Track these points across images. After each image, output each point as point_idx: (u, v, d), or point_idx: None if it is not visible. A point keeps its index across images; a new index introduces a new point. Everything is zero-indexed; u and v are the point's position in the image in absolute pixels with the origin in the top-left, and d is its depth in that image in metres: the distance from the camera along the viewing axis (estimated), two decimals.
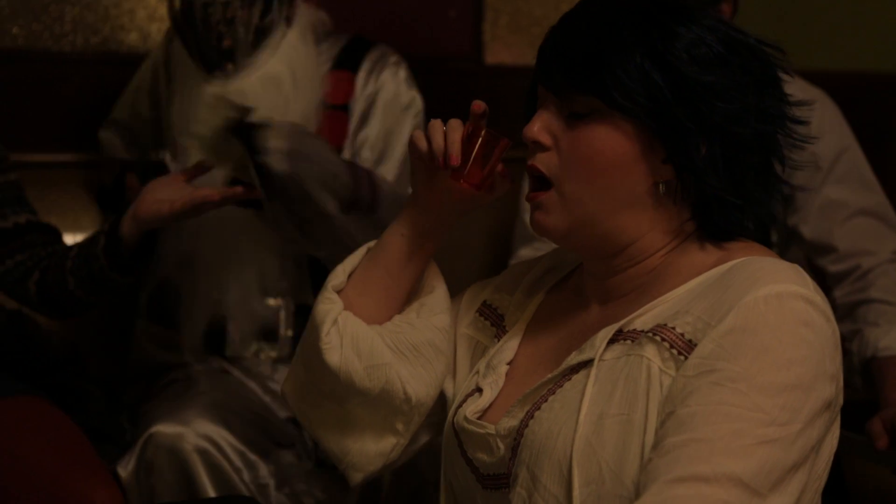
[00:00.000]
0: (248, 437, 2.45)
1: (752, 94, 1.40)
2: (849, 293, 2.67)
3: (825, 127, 2.74)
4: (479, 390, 1.52)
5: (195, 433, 2.40)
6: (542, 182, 1.45)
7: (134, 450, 2.42)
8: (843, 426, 2.53)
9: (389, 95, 2.65)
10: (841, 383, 1.38)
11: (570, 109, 1.42)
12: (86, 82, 3.04)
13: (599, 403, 1.37)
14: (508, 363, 1.52)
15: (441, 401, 1.61)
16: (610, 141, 1.39)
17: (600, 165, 1.40)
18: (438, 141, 1.51)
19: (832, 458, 1.41)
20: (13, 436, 2.27)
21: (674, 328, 1.36)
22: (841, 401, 1.39)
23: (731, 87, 1.39)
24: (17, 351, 2.56)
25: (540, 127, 1.44)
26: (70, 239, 2.90)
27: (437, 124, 1.53)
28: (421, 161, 1.55)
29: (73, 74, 3.04)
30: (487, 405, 1.50)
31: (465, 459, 1.50)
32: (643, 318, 1.40)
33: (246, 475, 2.44)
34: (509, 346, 1.54)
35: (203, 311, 2.65)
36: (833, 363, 1.35)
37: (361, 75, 2.66)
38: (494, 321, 1.60)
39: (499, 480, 1.46)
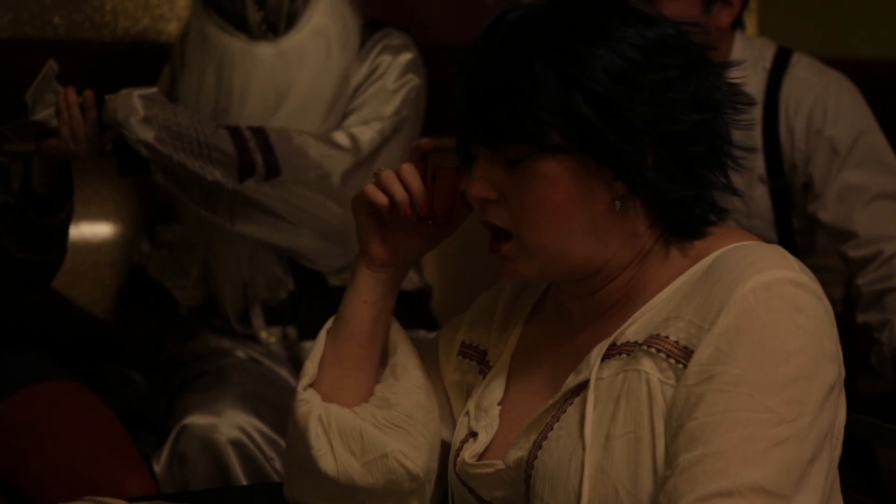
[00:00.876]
0: (280, 426, 2.47)
1: (681, 87, 1.35)
2: (873, 281, 2.65)
3: (841, 111, 2.71)
4: (474, 434, 1.48)
5: (228, 424, 2.42)
6: (500, 232, 1.40)
7: (167, 441, 2.44)
8: (876, 416, 2.52)
9: (380, 76, 2.66)
10: (841, 357, 1.36)
11: (504, 157, 1.37)
12: (126, 71, 3.05)
13: (604, 425, 1.34)
14: (499, 403, 1.49)
15: (444, 450, 1.56)
16: (554, 180, 1.35)
17: (551, 207, 1.35)
18: (400, 192, 1.47)
19: (843, 429, 1.39)
20: (49, 420, 2.30)
21: (667, 337, 1.33)
22: (843, 373, 1.37)
23: (659, 89, 1.33)
24: (51, 330, 2.58)
25: (480, 183, 1.38)
26: (110, 228, 2.94)
27: (390, 175, 1.48)
28: (371, 217, 1.51)
29: (114, 64, 3.06)
30: (484, 448, 1.46)
31: (483, 503, 1.48)
32: (634, 328, 1.37)
33: (278, 464, 2.46)
34: (497, 383, 1.50)
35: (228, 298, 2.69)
36: (831, 341, 1.33)
37: (362, 53, 2.67)
38: (478, 359, 1.55)
39: None
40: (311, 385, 1.55)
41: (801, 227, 2.80)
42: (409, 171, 1.48)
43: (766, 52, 2.78)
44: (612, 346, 1.38)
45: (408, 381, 1.54)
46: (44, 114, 2.32)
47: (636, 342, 1.36)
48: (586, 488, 1.33)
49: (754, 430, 1.25)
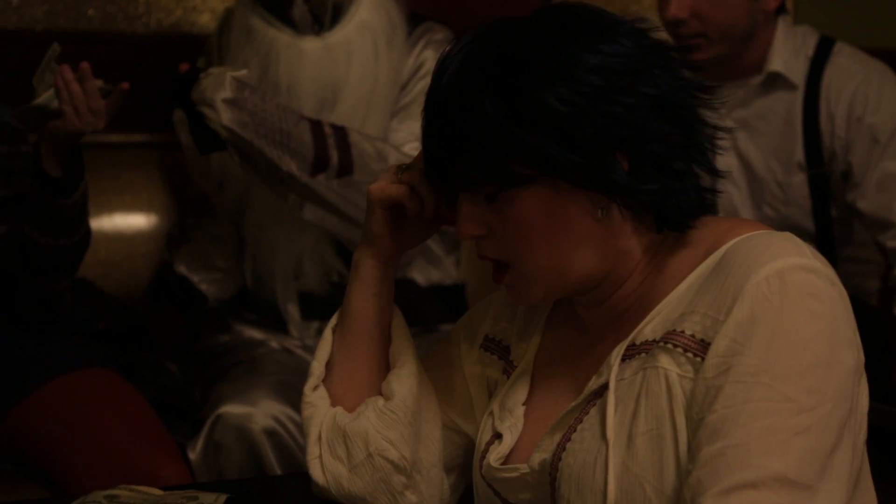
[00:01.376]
0: None
1: (637, 92, 1.33)
2: None
3: (883, 99, 2.70)
4: (499, 436, 1.48)
5: (262, 413, 2.43)
6: (499, 263, 1.41)
7: (202, 430, 2.46)
8: None
9: (426, 72, 2.66)
10: (859, 341, 1.33)
11: (482, 193, 1.37)
12: (159, 63, 3.06)
13: (626, 424, 1.34)
14: (524, 403, 1.48)
15: (463, 441, 1.57)
16: (534, 209, 1.35)
17: (538, 233, 1.36)
18: (430, 196, 1.49)
19: (866, 416, 1.37)
20: (84, 408, 2.31)
21: (683, 332, 1.33)
22: (863, 357, 1.35)
23: (618, 99, 1.32)
24: (85, 319, 2.59)
25: (467, 222, 1.39)
26: (144, 219, 2.95)
27: (419, 178, 1.49)
28: (389, 210, 1.51)
29: (147, 55, 3.08)
30: (509, 450, 1.46)
31: None
32: (651, 326, 1.37)
33: None
34: (521, 383, 1.50)
35: (260, 292, 2.70)
36: (848, 326, 1.31)
37: (406, 47, 2.68)
38: (501, 354, 1.55)
39: None
40: (319, 385, 1.56)
41: (839, 217, 2.78)
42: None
43: (808, 40, 2.77)
44: (632, 346, 1.38)
45: (402, 369, 1.54)
46: (44, 96, 2.30)
47: (654, 340, 1.36)
48: (612, 487, 1.33)
49: (774, 420, 1.24)
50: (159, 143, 3.02)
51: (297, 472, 2.43)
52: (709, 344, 1.30)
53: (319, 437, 1.53)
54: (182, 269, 2.71)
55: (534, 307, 1.55)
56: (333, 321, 1.58)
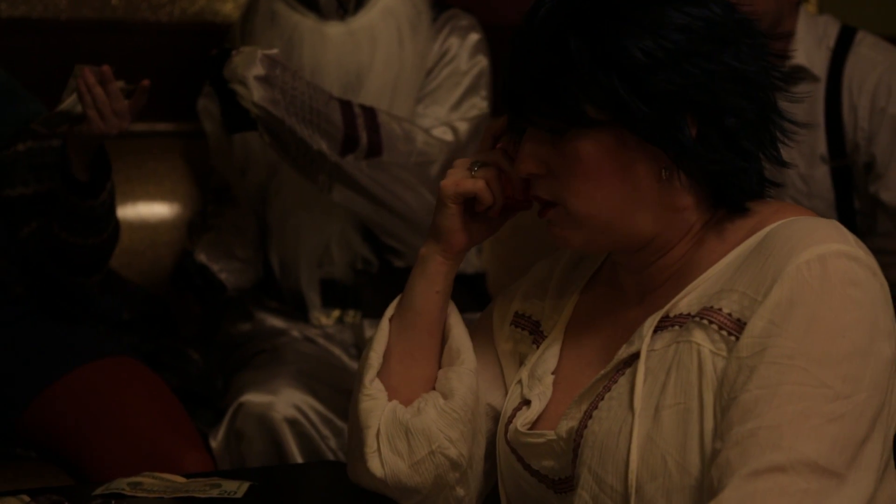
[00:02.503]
0: (335, 405, 2.48)
1: (719, 60, 1.35)
2: None
3: None
4: (527, 402, 1.48)
5: (284, 402, 2.44)
6: (548, 202, 1.42)
7: (224, 419, 2.47)
8: None
9: (451, 59, 2.66)
10: None
11: (548, 133, 1.38)
12: (183, 52, 3.08)
13: (654, 396, 1.34)
14: (553, 372, 1.49)
15: (493, 414, 1.57)
16: (597, 153, 1.36)
17: (596, 178, 1.36)
18: (500, 193, 1.50)
19: None
20: (108, 396, 2.33)
21: (720, 309, 1.33)
22: None
23: (699, 63, 1.33)
24: (109, 308, 2.60)
25: (527, 160, 1.40)
26: (167, 208, 2.97)
27: (495, 175, 1.50)
28: (460, 206, 1.51)
29: (171, 44, 3.09)
30: (537, 416, 1.47)
31: (531, 472, 1.48)
32: (688, 300, 1.37)
33: (333, 442, 2.48)
34: (551, 352, 1.50)
35: (278, 274, 2.71)
36: (887, 317, 1.31)
37: (431, 33, 2.68)
38: (531, 329, 1.55)
39: (568, 483, 1.43)
40: (376, 378, 1.55)
41: (862, 208, 2.77)
42: (505, 166, 1.50)
43: (830, 30, 2.75)
44: (665, 317, 1.38)
45: (462, 366, 1.54)
46: (67, 102, 2.29)
47: (689, 314, 1.36)
48: (634, 458, 1.33)
49: (809, 405, 1.23)
50: (183, 133, 3.03)
51: (319, 460, 2.45)
52: (745, 323, 1.30)
53: (378, 432, 1.52)
54: (202, 257, 2.71)
55: (573, 275, 1.55)
56: (390, 311, 1.58)
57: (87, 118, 2.26)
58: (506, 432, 1.50)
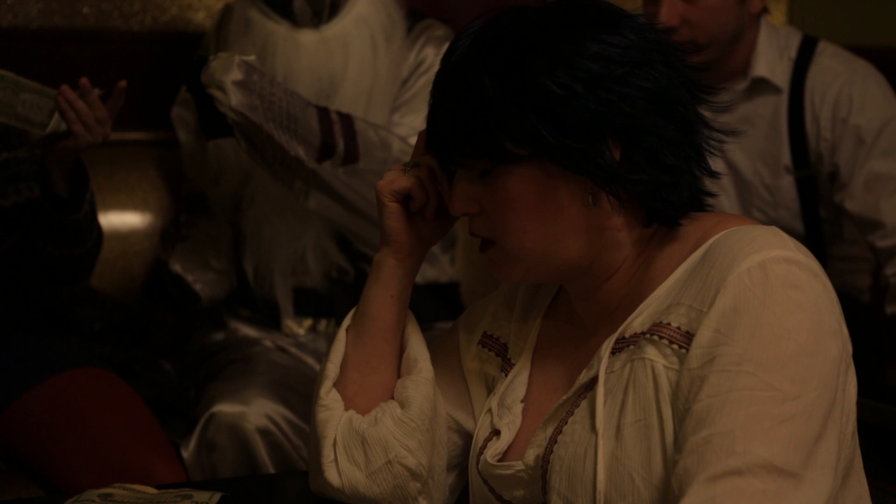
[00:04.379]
0: (307, 415, 2.47)
1: (633, 83, 1.36)
2: None
3: (867, 99, 2.69)
4: (497, 432, 1.49)
5: (256, 412, 2.43)
6: (487, 240, 1.44)
7: (196, 429, 2.46)
8: None
9: (427, 68, 2.67)
10: (845, 332, 1.35)
11: (477, 170, 1.40)
12: (154, 61, 3.08)
13: (615, 415, 1.36)
14: (522, 400, 1.50)
15: (462, 440, 1.58)
16: (523, 188, 1.37)
17: (525, 212, 1.38)
18: (432, 188, 1.51)
19: (854, 407, 1.37)
20: (79, 407, 2.32)
21: (669, 324, 1.34)
22: (850, 347, 1.36)
23: (614, 88, 1.35)
24: (80, 318, 2.59)
25: (459, 200, 1.43)
26: (139, 218, 2.96)
27: (431, 176, 1.51)
28: (400, 204, 1.53)
29: (142, 53, 3.09)
30: (506, 447, 1.48)
31: (503, 502, 1.49)
32: (641, 319, 1.38)
33: (305, 452, 2.47)
34: (519, 380, 1.51)
35: (252, 282, 2.70)
36: (832, 317, 1.32)
37: (407, 43, 2.68)
38: (499, 351, 1.56)
39: None
40: (333, 389, 1.56)
41: (827, 217, 2.78)
42: (436, 169, 1.51)
43: (791, 41, 2.76)
44: (621, 338, 1.39)
45: (419, 374, 1.54)
46: (52, 123, 2.26)
47: (642, 332, 1.37)
48: (601, 478, 1.34)
49: (759, 409, 1.25)
50: (154, 142, 3.02)
51: (291, 470, 2.44)
52: (693, 335, 1.32)
53: (335, 442, 1.53)
54: (177, 267, 2.70)
55: (533, 300, 1.56)
56: (347, 321, 1.58)
57: (73, 133, 2.24)
58: (477, 463, 1.50)
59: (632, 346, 1.37)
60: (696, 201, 1.42)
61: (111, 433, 2.27)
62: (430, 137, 1.45)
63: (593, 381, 1.40)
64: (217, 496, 1.59)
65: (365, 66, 2.59)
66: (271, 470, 2.43)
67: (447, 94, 1.40)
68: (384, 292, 1.55)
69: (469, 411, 1.57)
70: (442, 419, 1.56)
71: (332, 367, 1.56)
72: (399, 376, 1.56)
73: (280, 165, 2.43)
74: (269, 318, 2.72)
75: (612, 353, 1.39)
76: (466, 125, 1.38)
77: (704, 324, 1.30)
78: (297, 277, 2.69)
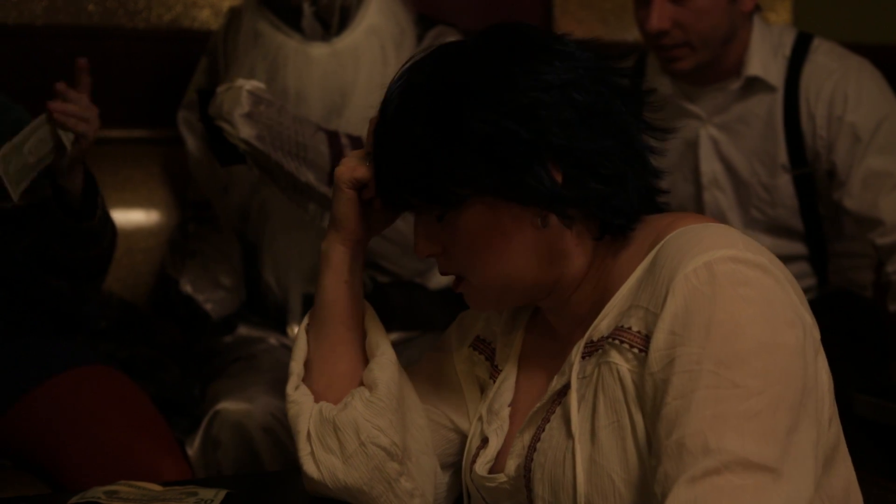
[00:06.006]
0: None
1: (565, 103, 1.37)
2: None
3: (863, 96, 2.68)
4: (486, 439, 1.52)
5: (260, 410, 2.44)
6: (458, 276, 1.48)
7: (200, 426, 2.46)
8: None
9: None
10: (807, 318, 1.35)
11: (432, 213, 1.44)
12: (159, 59, 3.08)
13: (588, 419, 1.38)
14: (510, 404, 1.52)
15: (459, 439, 1.60)
16: (475, 225, 1.41)
17: (481, 248, 1.41)
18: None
19: (832, 395, 1.38)
20: (84, 405, 2.32)
21: (629, 328, 1.36)
22: (817, 334, 1.36)
23: (543, 114, 1.37)
24: (85, 316, 2.59)
25: (423, 243, 1.46)
26: (144, 215, 2.96)
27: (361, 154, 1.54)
28: (355, 192, 1.55)
29: (147, 51, 3.09)
30: (496, 453, 1.50)
31: None
32: (606, 322, 1.40)
33: None
34: (506, 386, 1.54)
35: (267, 291, 2.70)
36: (787, 308, 1.32)
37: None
38: (489, 356, 1.59)
39: None
40: (300, 385, 1.58)
41: (827, 214, 2.78)
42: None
43: (785, 39, 2.75)
44: (590, 343, 1.41)
45: (383, 356, 1.57)
46: (64, 142, 2.19)
47: (607, 336, 1.39)
48: (581, 481, 1.36)
49: (725, 407, 1.25)
50: (158, 139, 3.03)
51: (296, 467, 2.44)
52: (651, 338, 1.33)
53: (309, 434, 1.55)
54: (188, 288, 2.72)
55: (516, 312, 1.59)
56: (306, 321, 1.61)
57: (79, 136, 2.22)
58: (470, 472, 1.53)
59: (599, 351, 1.39)
60: (647, 204, 1.44)
61: (116, 431, 2.27)
62: (378, 188, 1.49)
63: (566, 386, 1.42)
64: (222, 493, 1.60)
65: (375, 77, 2.59)
66: (275, 467, 2.44)
67: (385, 147, 1.45)
68: (338, 278, 1.58)
69: (464, 412, 1.59)
70: (411, 402, 1.58)
71: (296, 365, 1.59)
72: (366, 364, 1.58)
73: (292, 190, 2.44)
74: (278, 323, 2.72)
75: (583, 356, 1.41)
76: (407, 177, 1.42)
77: (659, 326, 1.31)
78: (311, 285, 2.69)
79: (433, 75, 1.42)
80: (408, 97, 1.42)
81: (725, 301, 1.29)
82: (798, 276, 2.80)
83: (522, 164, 1.37)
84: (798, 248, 2.79)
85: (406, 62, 1.47)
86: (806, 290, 2.81)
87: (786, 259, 2.78)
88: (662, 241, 1.38)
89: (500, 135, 1.36)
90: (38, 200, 2.37)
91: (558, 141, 1.37)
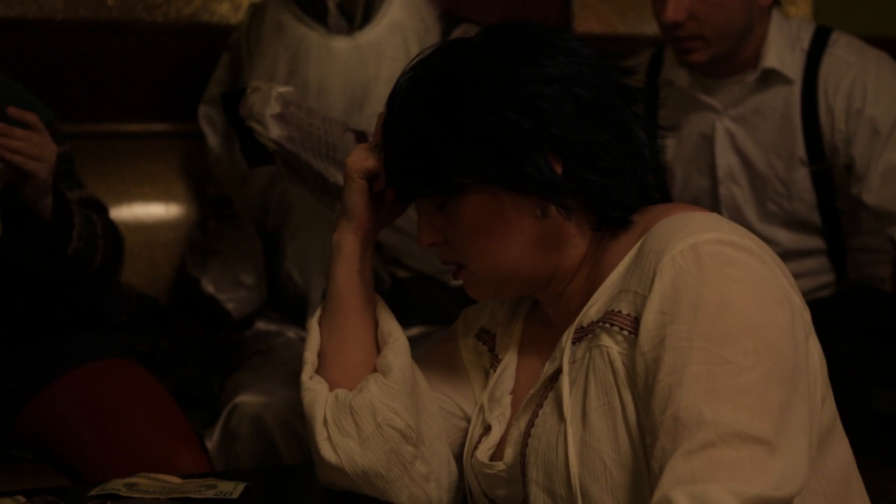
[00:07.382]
0: None
1: (566, 97, 1.41)
2: None
3: (882, 90, 2.66)
4: (489, 427, 1.54)
5: (279, 403, 2.45)
6: (458, 264, 1.51)
7: (219, 420, 2.47)
8: None
9: None
10: (796, 300, 1.37)
11: (436, 202, 1.48)
12: (178, 53, 3.09)
13: (580, 402, 1.40)
14: (511, 392, 1.55)
15: (462, 415, 1.63)
16: (476, 214, 1.44)
17: (483, 236, 1.45)
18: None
19: (825, 373, 1.40)
20: (104, 398, 2.33)
21: (620, 311, 1.39)
22: (808, 316, 1.38)
23: (545, 107, 1.40)
24: (105, 309, 2.60)
25: (425, 232, 1.50)
26: (163, 209, 2.97)
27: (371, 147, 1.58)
28: (366, 182, 1.58)
29: (166, 45, 3.09)
30: (498, 440, 1.53)
31: (489, 500, 1.53)
32: (596, 308, 1.43)
33: None
34: (507, 374, 1.57)
35: (288, 282, 2.71)
36: (774, 288, 1.34)
37: None
38: (491, 346, 1.62)
39: None
40: (314, 374, 1.60)
41: (845, 208, 2.77)
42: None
43: (803, 32, 2.74)
44: (580, 328, 1.44)
45: (395, 344, 1.59)
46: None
47: (597, 321, 1.42)
48: (573, 462, 1.39)
49: (717, 383, 1.27)
50: (178, 133, 3.03)
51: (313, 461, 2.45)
52: (640, 320, 1.35)
53: (325, 420, 1.56)
54: (210, 288, 2.73)
55: (516, 303, 1.62)
56: (318, 314, 1.63)
57: (30, 175, 2.07)
58: (471, 459, 1.55)
59: (590, 335, 1.42)
60: (644, 197, 1.47)
61: (136, 424, 2.28)
62: (388, 177, 1.53)
63: (557, 372, 1.45)
64: (241, 486, 1.61)
65: (397, 72, 2.58)
66: (294, 460, 2.44)
67: (392, 138, 1.49)
68: (350, 268, 1.60)
69: (472, 401, 1.62)
70: (423, 391, 1.60)
71: (310, 355, 1.61)
72: (379, 353, 1.60)
73: (321, 190, 2.45)
74: (297, 316, 2.72)
75: (573, 342, 1.44)
76: (413, 166, 1.46)
77: (648, 307, 1.34)
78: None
79: (438, 68, 1.46)
80: (413, 89, 1.47)
81: (713, 280, 1.31)
82: (816, 272, 2.81)
83: (523, 155, 1.41)
84: (816, 242, 2.78)
85: (414, 58, 1.50)
86: (825, 286, 2.82)
87: (804, 254, 2.79)
88: (653, 228, 1.41)
89: (502, 125, 1.40)
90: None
91: (558, 133, 1.40)
